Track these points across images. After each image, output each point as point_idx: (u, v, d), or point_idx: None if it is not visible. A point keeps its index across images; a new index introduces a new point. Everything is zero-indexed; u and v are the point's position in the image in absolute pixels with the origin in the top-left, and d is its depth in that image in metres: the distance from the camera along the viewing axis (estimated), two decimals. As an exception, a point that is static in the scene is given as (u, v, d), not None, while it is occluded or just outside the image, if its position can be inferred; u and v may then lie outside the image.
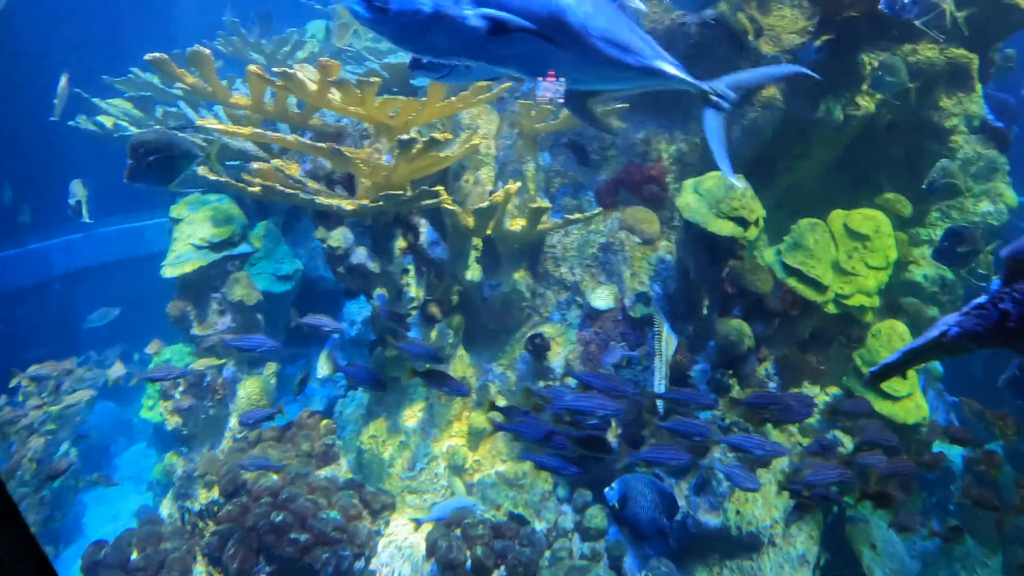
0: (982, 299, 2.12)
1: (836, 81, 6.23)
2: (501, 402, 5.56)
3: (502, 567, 5.11)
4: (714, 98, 2.68)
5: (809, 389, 6.34)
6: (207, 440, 6.88)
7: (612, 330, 6.20)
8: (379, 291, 5.93)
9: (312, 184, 5.59)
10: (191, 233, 7.22)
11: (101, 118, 8.24)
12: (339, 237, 5.78)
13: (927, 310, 6.98)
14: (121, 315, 9.39)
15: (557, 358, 6.31)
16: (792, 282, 6.06)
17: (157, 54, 5.49)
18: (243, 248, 7.36)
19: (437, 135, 5.19)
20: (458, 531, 5.24)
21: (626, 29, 2.65)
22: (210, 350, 7.05)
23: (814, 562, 5.67)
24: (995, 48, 7.15)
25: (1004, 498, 5.71)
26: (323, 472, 6.06)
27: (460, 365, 6.51)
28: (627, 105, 6.48)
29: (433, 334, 6.25)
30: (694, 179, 5.94)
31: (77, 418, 7.84)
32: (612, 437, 5.64)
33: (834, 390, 6.43)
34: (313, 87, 5.38)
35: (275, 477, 5.78)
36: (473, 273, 6.34)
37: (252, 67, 5.52)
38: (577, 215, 6.20)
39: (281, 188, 5.24)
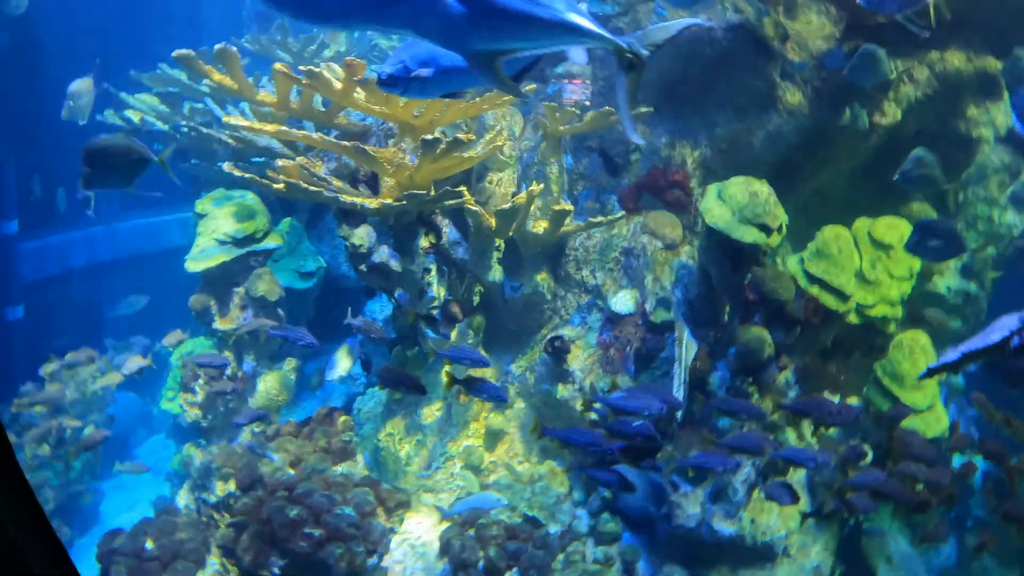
0: None
1: (862, 88, 6.18)
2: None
3: (515, 568, 5.11)
4: (628, 55, 2.61)
5: (829, 398, 6.29)
6: (225, 433, 6.94)
7: (632, 335, 6.18)
8: (399, 291, 5.95)
9: (336, 182, 5.62)
10: (215, 228, 7.27)
11: (128, 113, 8.32)
12: (362, 235, 5.80)
13: (950, 322, 6.90)
14: (145, 307, 9.52)
15: (577, 361, 6.30)
16: (815, 290, 6.01)
17: (185, 50, 5.55)
18: (266, 244, 7.41)
19: (461, 136, 5.21)
20: (472, 531, 5.26)
21: None
22: (237, 342, 7.10)
23: (828, 575, 5.63)
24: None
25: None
26: (340, 468, 6.09)
27: (479, 365, 6.52)
28: (651, 109, 6.46)
29: (453, 334, 6.26)
30: (718, 184, 5.91)
31: (105, 400, 8.07)
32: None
33: (854, 400, 6.37)
34: (339, 86, 5.41)
35: (290, 471, 5.82)
36: (495, 274, 6.35)
37: (278, 65, 5.58)
38: (600, 218, 6.19)
39: (305, 185, 5.28)
